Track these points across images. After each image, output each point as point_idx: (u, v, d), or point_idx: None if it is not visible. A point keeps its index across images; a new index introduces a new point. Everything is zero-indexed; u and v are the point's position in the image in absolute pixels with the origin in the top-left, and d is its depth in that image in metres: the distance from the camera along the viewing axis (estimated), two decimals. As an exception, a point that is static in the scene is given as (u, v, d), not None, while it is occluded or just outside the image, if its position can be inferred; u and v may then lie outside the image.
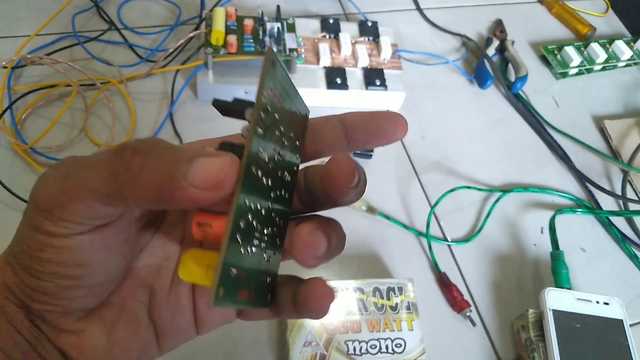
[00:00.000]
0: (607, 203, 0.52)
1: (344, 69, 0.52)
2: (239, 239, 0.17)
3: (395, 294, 0.40)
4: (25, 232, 0.18)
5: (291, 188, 0.21)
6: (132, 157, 0.16)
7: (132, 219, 0.21)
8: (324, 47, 0.52)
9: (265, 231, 0.19)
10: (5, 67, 0.48)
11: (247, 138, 0.17)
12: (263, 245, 0.19)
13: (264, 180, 0.18)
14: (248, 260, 0.18)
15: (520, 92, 0.58)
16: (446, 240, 0.47)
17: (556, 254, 0.45)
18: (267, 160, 0.18)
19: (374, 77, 0.52)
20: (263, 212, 0.19)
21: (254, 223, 0.18)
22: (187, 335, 0.23)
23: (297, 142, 0.21)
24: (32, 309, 0.19)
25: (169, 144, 0.17)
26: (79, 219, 0.17)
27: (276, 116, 0.19)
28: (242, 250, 0.17)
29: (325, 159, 0.20)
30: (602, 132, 0.58)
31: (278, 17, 0.51)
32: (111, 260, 0.20)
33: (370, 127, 0.21)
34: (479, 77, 0.58)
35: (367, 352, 0.38)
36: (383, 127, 0.21)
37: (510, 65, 0.60)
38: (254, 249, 0.18)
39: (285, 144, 0.20)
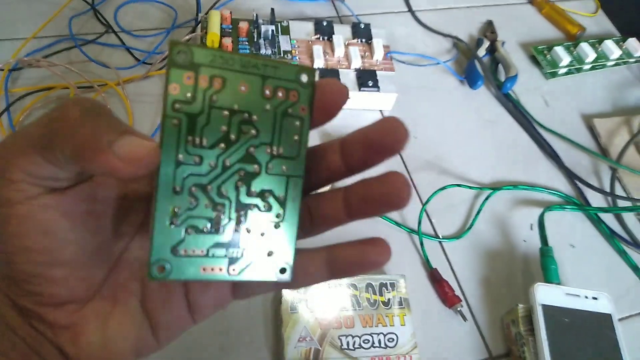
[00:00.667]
0: (596, 200, 0.53)
1: (338, 71, 0.53)
2: (168, 222, 0.19)
3: (387, 289, 0.41)
4: None
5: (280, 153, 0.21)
6: (72, 109, 0.17)
7: (94, 191, 0.20)
8: (318, 49, 0.53)
9: (230, 211, 0.20)
10: (3, 70, 0.48)
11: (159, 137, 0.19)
12: (225, 222, 0.20)
13: (206, 160, 0.20)
14: (198, 239, 0.20)
15: (510, 91, 0.60)
16: (437, 237, 0.48)
17: (545, 250, 0.46)
18: (204, 143, 0.20)
19: (366, 78, 0.53)
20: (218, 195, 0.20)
21: (193, 205, 0.20)
22: (183, 324, 0.23)
23: (295, 115, 0.21)
24: (22, 307, 0.19)
25: (114, 115, 0.18)
26: (25, 176, 0.17)
27: (221, 101, 0.20)
28: (180, 229, 0.19)
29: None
30: (591, 130, 0.59)
31: (272, 20, 0.52)
32: (76, 230, 0.19)
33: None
34: (470, 77, 0.59)
35: (360, 346, 0.38)
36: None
37: (500, 66, 0.62)
38: (205, 227, 0.20)
39: (255, 127, 0.20)
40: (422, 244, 0.46)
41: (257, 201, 0.21)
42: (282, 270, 0.21)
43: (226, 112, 0.20)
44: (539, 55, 0.63)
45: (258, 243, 0.21)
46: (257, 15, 0.52)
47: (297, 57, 0.53)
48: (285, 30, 0.53)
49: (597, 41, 0.66)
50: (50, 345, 0.20)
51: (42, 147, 0.17)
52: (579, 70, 0.64)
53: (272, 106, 0.20)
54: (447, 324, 0.43)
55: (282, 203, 0.21)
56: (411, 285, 0.43)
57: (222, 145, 0.20)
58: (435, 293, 0.44)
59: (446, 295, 0.43)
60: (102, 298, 0.21)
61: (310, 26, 0.56)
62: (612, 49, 0.64)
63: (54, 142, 0.17)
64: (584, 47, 0.64)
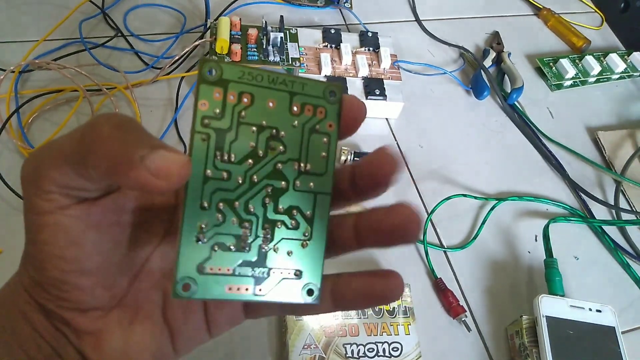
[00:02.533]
0: (600, 212, 0.53)
1: (345, 79, 0.53)
2: (194, 238, 0.19)
3: (392, 298, 0.41)
4: (25, 221, 0.19)
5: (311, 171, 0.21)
6: (105, 124, 0.17)
7: (121, 202, 0.21)
8: (326, 57, 0.54)
9: (256, 228, 0.20)
10: (13, 72, 0.49)
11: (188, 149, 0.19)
12: (253, 242, 0.20)
13: (235, 177, 0.20)
14: (227, 257, 0.20)
15: (516, 103, 0.60)
16: (442, 246, 0.48)
17: (550, 262, 0.46)
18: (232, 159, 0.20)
19: (373, 86, 0.53)
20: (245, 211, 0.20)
21: (221, 221, 0.20)
22: (200, 337, 0.23)
23: (320, 128, 0.21)
24: (48, 310, 0.20)
25: (145, 129, 0.18)
26: (57, 188, 0.18)
27: (253, 113, 0.20)
28: (208, 248, 0.19)
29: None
30: (596, 142, 0.59)
31: (281, 27, 0.53)
32: (104, 241, 0.20)
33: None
34: (476, 87, 0.59)
35: (365, 355, 0.38)
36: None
37: (506, 77, 0.62)
38: (232, 246, 0.20)
39: (281, 142, 0.20)
40: (427, 253, 0.46)
41: (285, 218, 0.21)
42: (310, 292, 0.21)
43: (254, 128, 0.20)
44: (545, 67, 0.64)
45: (285, 263, 0.21)
46: (266, 22, 0.52)
47: (305, 64, 0.53)
48: (294, 38, 0.53)
49: (602, 54, 0.67)
50: (73, 349, 0.20)
51: (74, 162, 0.17)
52: (583, 82, 0.64)
53: (299, 122, 0.21)
54: (451, 334, 0.43)
55: (310, 221, 0.21)
56: (416, 294, 0.44)
57: (250, 161, 0.20)
58: (440, 303, 0.44)
59: (450, 305, 0.43)
60: (125, 306, 0.22)
61: (318, 34, 0.56)
62: (617, 63, 0.65)
63: (87, 159, 0.17)
64: (589, 60, 0.64)
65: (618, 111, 0.63)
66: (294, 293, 0.21)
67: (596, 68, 0.64)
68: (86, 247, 0.19)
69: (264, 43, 0.51)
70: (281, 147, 0.20)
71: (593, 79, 0.64)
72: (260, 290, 0.20)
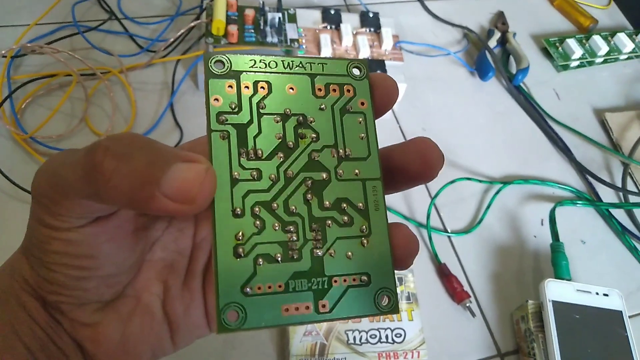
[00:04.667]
0: (607, 195, 0.52)
1: (345, 60, 0.52)
2: (232, 253, 0.17)
3: (396, 284, 0.40)
4: (32, 224, 0.18)
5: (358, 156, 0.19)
6: (104, 159, 0.15)
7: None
8: (325, 38, 0.52)
9: (297, 230, 0.18)
10: (5, 56, 0.48)
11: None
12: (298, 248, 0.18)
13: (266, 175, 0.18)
14: (274, 272, 0.17)
15: (521, 84, 0.58)
16: (446, 231, 0.47)
17: (556, 246, 0.45)
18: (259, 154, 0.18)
19: (375, 68, 0.52)
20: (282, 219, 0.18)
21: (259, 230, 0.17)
22: (200, 331, 0.23)
23: (354, 106, 0.19)
24: (48, 301, 0.19)
25: (147, 142, 0.16)
26: (72, 214, 0.17)
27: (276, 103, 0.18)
28: (250, 265, 0.17)
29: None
30: (603, 124, 0.57)
31: (279, 8, 0.51)
32: (119, 251, 0.19)
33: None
34: (481, 69, 0.57)
35: (367, 341, 0.38)
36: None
37: (511, 58, 0.60)
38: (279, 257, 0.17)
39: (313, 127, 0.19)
40: (430, 238, 0.45)
41: (334, 214, 0.18)
42: (385, 299, 0.18)
43: (278, 118, 0.18)
44: (551, 48, 0.62)
45: (346, 267, 0.18)
46: (263, 2, 0.50)
47: (304, 46, 0.52)
48: (292, 18, 0.52)
49: (609, 34, 0.65)
50: (68, 337, 0.20)
51: (87, 196, 0.16)
52: (591, 63, 0.63)
53: (327, 105, 0.19)
54: (455, 320, 0.42)
55: (364, 213, 0.18)
56: (419, 280, 0.43)
57: (281, 154, 0.18)
58: (444, 288, 0.43)
59: (455, 290, 0.42)
60: (125, 297, 0.21)
61: (317, 14, 0.55)
62: (624, 42, 0.63)
63: (100, 196, 0.15)
64: (597, 40, 0.63)
65: (626, 92, 0.61)
66: (366, 303, 0.18)
67: (604, 48, 0.62)
68: (99, 259, 0.19)
69: (262, 24, 0.50)
70: (313, 135, 0.18)
71: (600, 60, 0.63)
72: (324, 306, 0.17)
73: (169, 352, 0.22)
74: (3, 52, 0.47)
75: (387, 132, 0.52)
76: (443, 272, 0.44)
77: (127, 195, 0.15)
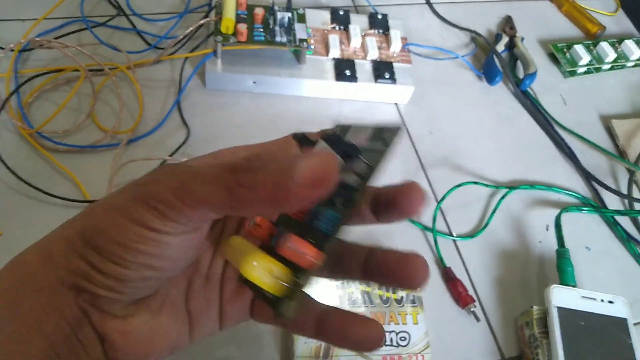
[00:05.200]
0: (612, 202, 0.52)
1: (353, 61, 0.52)
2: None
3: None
4: (118, 221, 0.19)
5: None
6: (246, 175, 0.18)
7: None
8: (334, 39, 0.52)
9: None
10: (13, 50, 0.47)
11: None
12: None
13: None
14: None
15: (528, 89, 0.58)
16: (452, 235, 0.47)
17: (562, 252, 0.45)
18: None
19: (383, 70, 0.52)
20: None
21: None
22: (213, 328, 0.24)
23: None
24: (90, 292, 0.19)
25: (270, 156, 0.19)
26: (187, 222, 0.19)
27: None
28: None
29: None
30: (609, 131, 0.57)
31: (289, 7, 0.51)
32: (192, 256, 0.22)
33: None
34: (488, 73, 0.57)
35: (372, 344, 0.37)
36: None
37: (519, 62, 0.60)
38: None
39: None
40: (436, 241, 0.45)
41: None
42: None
43: None
44: (559, 53, 0.62)
45: None
46: (273, 1, 0.50)
47: (312, 46, 0.51)
48: (302, 18, 0.52)
49: (617, 41, 0.65)
50: (91, 330, 0.20)
51: (220, 208, 0.19)
52: (598, 69, 0.63)
53: None
54: (459, 324, 0.42)
55: None
56: (424, 283, 0.42)
57: None
58: (449, 292, 0.43)
59: (459, 294, 0.42)
60: (157, 293, 0.22)
61: (326, 15, 0.55)
62: (632, 49, 0.63)
63: (240, 207, 0.18)
64: (604, 46, 0.63)
65: (633, 99, 0.61)
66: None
67: (611, 55, 0.62)
68: (177, 263, 0.21)
69: (271, 23, 0.50)
70: None
71: (607, 66, 0.63)
72: None
73: (184, 346, 0.23)
74: (11, 46, 0.47)
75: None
76: (448, 276, 0.44)
77: (269, 199, 0.17)
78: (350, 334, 0.21)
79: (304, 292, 0.20)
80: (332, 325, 0.22)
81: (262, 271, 0.19)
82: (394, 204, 0.22)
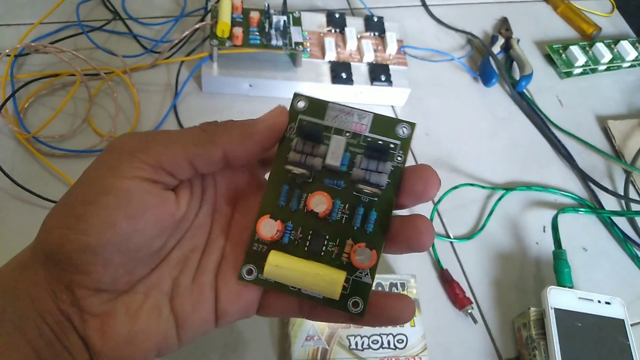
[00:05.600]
0: (609, 203, 0.52)
1: (349, 64, 0.52)
2: None
3: (397, 289, 0.40)
4: (83, 184, 0.20)
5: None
6: (218, 123, 0.22)
7: (190, 201, 0.23)
8: (330, 42, 0.52)
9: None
10: (9, 55, 0.47)
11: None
12: None
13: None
14: None
15: (524, 90, 0.58)
16: (449, 237, 0.47)
17: (559, 253, 0.45)
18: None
19: (379, 72, 0.52)
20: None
21: None
22: (206, 326, 0.23)
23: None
24: (64, 284, 0.19)
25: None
26: (158, 162, 0.20)
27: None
28: None
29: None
30: (606, 132, 0.57)
31: (284, 10, 0.51)
32: (157, 226, 0.21)
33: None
34: (484, 74, 0.57)
35: (369, 347, 0.37)
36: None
37: (515, 64, 0.60)
38: None
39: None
40: (432, 244, 0.45)
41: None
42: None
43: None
44: (554, 54, 0.62)
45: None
46: (268, 5, 0.50)
47: (308, 49, 0.52)
48: (297, 22, 0.52)
49: (612, 42, 0.65)
50: (75, 335, 0.20)
51: (194, 144, 0.21)
52: (594, 70, 0.63)
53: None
54: (457, 326, 0.42)
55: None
56: (421, 285, 0.43)
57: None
58: (446, 294, 0.43)
59: (457, 296, 0.42)
60: (135, 292, 0.22)
61: (322, 18, 0.55)
62: (627, 50, 0.63)
63: (214, 140, 0.22)
64: (600, 47, 0.63)
65: (629, 100, 0.61)
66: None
67: (607, 56, 0.62)
68: (139, 224, 0.20)
69: (267, 27, 0.50)
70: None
71: (603, 67, 0.63)
72: None
73: (174, 348, 0.23)
74: (7, 51, 0.47)
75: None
76: (445, 278, 0.43)
77: (238, 133, 0.22)
78: (388, 310, 0.22)
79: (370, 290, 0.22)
80: (370, 306, 0.22)
81: (319, 279, 0.21)
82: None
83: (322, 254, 0.22)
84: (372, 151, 0.22)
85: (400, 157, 0.23)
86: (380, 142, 0.23)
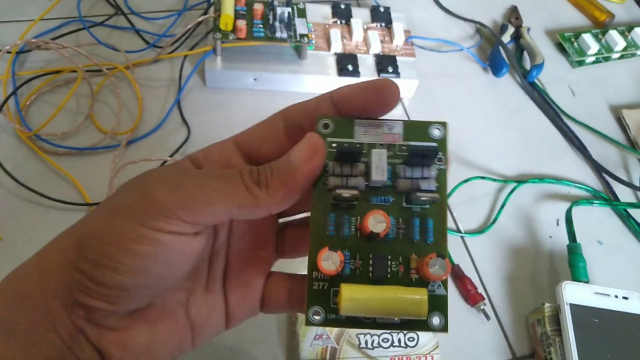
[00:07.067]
0: (624, 195, 0.50)
1: (356, 56, 0.51)
2: None
3: (408, 286, 0.39)
4: (117, 222, 0.19)
5: None
6: (257, 174, 0.20)
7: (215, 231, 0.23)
8: (335, 33, 0.51)
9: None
10: (10, 52, 0.47)
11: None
12: None
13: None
14: None
15: (535, 80, 0.57)
16: (459, 231, 0.45)
17: (573, 247, 0.44)
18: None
19: (386, 63, 0.51)
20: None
21: None
22: (218, 330, 0.24)
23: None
24: (84, 306, 0.19)
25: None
26: (197, 220, 0.20)
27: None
28: None
29: None
30: (620, 121, 0.56)
31: (289, 2, 0.50)
32: (188, 264, 0.21)
33: (358, 102, 0.22)
34: (494, 64, 0.56)
35: (380, 345, 0.37)
36: (371, 100, 0.21)
37: (525, 53, 0.59)
38: None
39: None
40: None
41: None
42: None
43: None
44: (566, 43, 0.60)
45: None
46: (272, -4, 0.49)
47: (313, 41, 0.50)
48: (302, 13, 0.51)
49: (626, 29, 0.63)
50: (90, 347, 0.20)
51: (238, 205, 0.20)
52: (607, 59, 0.61)
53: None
54: (469, 323, 0.41)
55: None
56: (432, 281, 0.42)
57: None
58: (457, 290, 0.42)
59: (468, 292, 0.41)
60: (155, 305, 0.22)
61: (327, 9, 0.54)
62: (642, 37, 0.62)
63: (259, 204, 0.20)
64: (613, 35, 0.61)
65: (643, 89, 0.60)
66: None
67: (620, 43, 0.60)
68: (173, 269, 0.20)
69: (271, 19, 0.49)
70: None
71: (617, 55, 0.61)
72: None
73: (187, 351, 0.23)
74: (7, 47, 0.46)
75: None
76: (456, 274, 0.42)
77: (283, 189, 0.20)
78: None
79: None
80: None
81: (403, 303, 0.20)
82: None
83: (389, 276, 0.21)
84: (413, 158, 0.21)
85: (442, 158, 0.22)
86: (419, 147, 0.22)
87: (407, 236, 0.21)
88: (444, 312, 0.21)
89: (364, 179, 0.22)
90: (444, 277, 0.20)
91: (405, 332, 0.37)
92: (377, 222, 0.20)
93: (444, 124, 0.22)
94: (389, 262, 0.21)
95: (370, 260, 0.21)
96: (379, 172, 0.21)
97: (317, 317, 0.21)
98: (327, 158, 0.21)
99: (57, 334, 0.19)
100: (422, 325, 0.21)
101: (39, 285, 0.19)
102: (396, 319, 0.21)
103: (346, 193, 0.21)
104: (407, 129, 0.22)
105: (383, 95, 0.21)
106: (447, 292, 0.21)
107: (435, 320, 0.21)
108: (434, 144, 0.22)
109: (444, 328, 0.21)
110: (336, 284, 0.21)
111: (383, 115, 0.22)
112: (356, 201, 0.22)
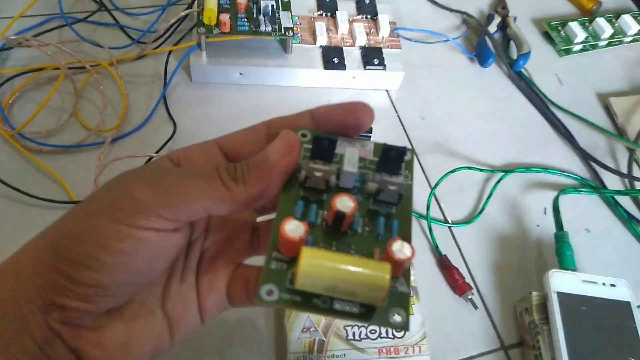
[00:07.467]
0: (612, 182, 0.51)
1: (342, 48, 0.51)
2: None
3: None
4: (97, 222, 0.19)
5: None
6: (235, 171, 0.21)
7: (190, 229, 0.24)
8: (321, 26, 0.51)
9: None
10: (-9, 50, 0.46)
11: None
12: None
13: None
14: None
15: (522, 69, 0.57)
16: (447, 222, 0.46)
17: (561, 235, 0.44)
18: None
19: (372, 56, 0.50)
20: None
21: None
22: (195, 324, 0.24)
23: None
24: (61, 307, 0.19)
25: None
26: (176, 217, 0.20)
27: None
28: None
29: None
30: (607, 109, 0.56)
31: (272, -5, 0.50)
32: (165, 262, 0.21)
33: (336, 119, 0.23)
34: (480, 55, 0.56)
35: (367, 337, 0.37)
36: (347, 119, 0.23)
37: (512, 43, 0.59)
38: None
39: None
40: (430, 229, 0.44)
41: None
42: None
43: None
44: (553, 32, 0.60)
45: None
46: (256, -10, 0.49)
47: (299, 35, 0.50)
48: (286, 6, 0.50)
49: (613, 16, 0.63)
50: (65, 349, 0.20)
51: (217, 201, 0.20)
52: (594, 47, 0.61)
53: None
54: (457, 313, 0.41)
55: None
56: (420, 272, 0.42)
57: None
58: (445, 280, 0.42)
59: (456, 282, 0.41)
60: (131, 302, 0.22)
61: (312, 2, 0.53)
62: (629, 24, 0.61)
63: (235, 198, 0.21)
64: (600, 22, 0.61)
65: (631, 76, 0.60)
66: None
67: (607, 31, 0.60)
68: (154, 265, 0.21)
69: (255, 12, 0.48)
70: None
71: (604, 43, 0.61)
72: None
73: (167, 349, 0.23)
74: (-11, 46, 0.45)
75: (387, 121, 0.51)
76: (444, 264, 0.43)
77: (258, 184, 0.21)
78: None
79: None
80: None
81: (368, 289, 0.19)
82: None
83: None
84: (383, 164, 0.22)
85: (407, 176, 0.23)
86: (391, 147, 0.22)
87: (372, 232, 0.22)
88: (405, 309, 0.20)
89: (335, 178, 0.22)
90: (410, 260, 0.20)
91: (366, 325, 0.37)
92: (344, 203, 0.20)
93: (411, 151, 0.24)
94: (353, 251, 0.21)
95: (334, 247, 0.21)
96: (351, 165, 0.22)
97: (269, 296, 0.20)
98: (300, 158, 0.22)
99: (31, 338, 0.19)
100: (382, 319, 0.20)
101: (12, 289, 0.19)
102: (355, 309, 0.20)
103: (318, 172, 0.21)
104: (376, 149, 0.24)
105: (358, 116, 0.22)
106: (409, 291, 0.21)
107: (397, 317, 0.20)
108: (404, 146, 0.23)
109: (404, 325, 0.20)
110: (294, 267, 0.20)
111: (357, 134, 0.23)
112: (325, 192, 0.22)
